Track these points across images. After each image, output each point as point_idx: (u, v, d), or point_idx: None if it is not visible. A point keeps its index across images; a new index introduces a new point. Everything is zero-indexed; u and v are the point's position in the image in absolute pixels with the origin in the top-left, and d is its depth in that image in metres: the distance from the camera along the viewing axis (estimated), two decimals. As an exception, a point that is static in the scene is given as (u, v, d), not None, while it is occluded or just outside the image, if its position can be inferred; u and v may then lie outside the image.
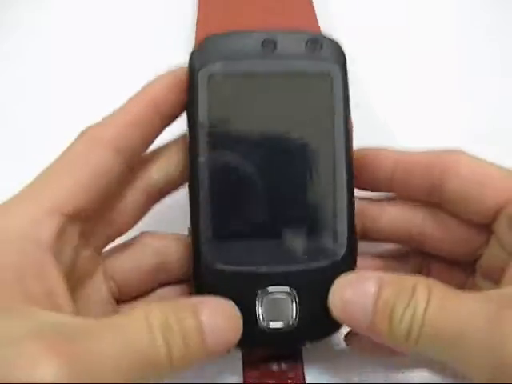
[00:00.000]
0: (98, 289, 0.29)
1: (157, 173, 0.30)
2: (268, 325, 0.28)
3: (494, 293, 0.25)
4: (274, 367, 0.30)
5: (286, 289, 0.28)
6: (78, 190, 0.26)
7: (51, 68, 0.42)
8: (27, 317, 0.23)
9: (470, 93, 0.41)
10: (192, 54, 0.28)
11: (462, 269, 0.31)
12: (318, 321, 0.28)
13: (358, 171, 0.29)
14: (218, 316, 0.25)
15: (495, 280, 0.28)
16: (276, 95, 0.29)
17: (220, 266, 0.28)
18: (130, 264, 0.30)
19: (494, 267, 0.28)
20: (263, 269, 0.28)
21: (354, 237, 0.29)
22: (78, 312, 0.26)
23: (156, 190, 0.30)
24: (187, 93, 0.28)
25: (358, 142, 0.29)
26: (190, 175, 0.28)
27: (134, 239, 0.31)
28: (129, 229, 0.30)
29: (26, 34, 0.43)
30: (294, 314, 0.28)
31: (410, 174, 0.29)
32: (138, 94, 0.29)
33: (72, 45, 0.43)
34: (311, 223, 0.28)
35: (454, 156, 0.29)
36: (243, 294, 0.28)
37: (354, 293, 0.26)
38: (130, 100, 0.28)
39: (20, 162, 0.36)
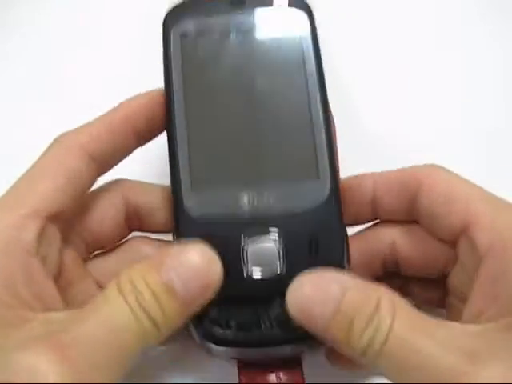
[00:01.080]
0: (88, 292, 0.29)
1: (136, 198, 0.30)
2: (254, 273, 0.27)
3: (461, 331, 0.24)
4: (272, 378, 0.28)
5: (272, 236, 0.27)
6: (54, 194, 0.27)
7: (51, 68, 0.42)
8: (19, 323, 0.23)
9: (469, 92, 0.41)
10: (166, 14, 0.30)
11: (439, 288, 0.30)
12: (304, 267, 0.26)
13: (345, 204, 0.29)
14: (186, 263, 0.24)
15: (464, 301, 0.27)
16: (247, 48, 0.30)
17: (201, 215, 0.27)
18: (117, 269, 0.28)
19: (459, 288, 0.28)
20: (246, 216, 0.27)
21: (336, 178, 0.28)
22: None
23: (135, 215, 0.30)
24: (163, 51, 0.30)
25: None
26: (168, 127, 0.29)
27: (124, 243, 0.31)
28: (110, 241, 0.30)
29: (24, 36, 0.43)
30: (281, 261, 0.27)
31: (388, 193, 0.29)
32: (113, 108, 0.30)
33: (72, 45, 0.43)
34: (292, 167, 0.28)
35: (428, 172, 0.28)
36: (227, 243, 0.27)
37: (315, 292, 0.24)
38: (106, 113, 0.29)
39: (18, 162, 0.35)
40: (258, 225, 0.27)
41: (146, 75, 0.30)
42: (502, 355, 0.22)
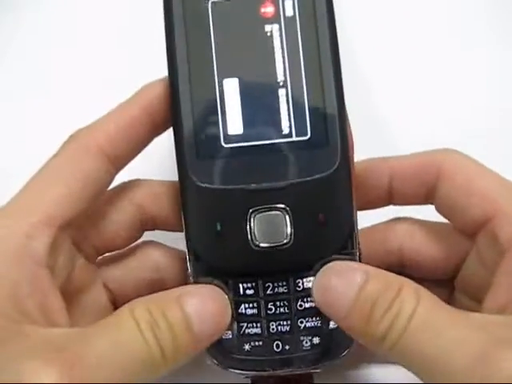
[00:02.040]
0: (97, 297, 0.29)
1: (149, 200, 0.29)
2: (261, 245, 0.26)
3: (486, 319, 0.23)
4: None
5: (280, 205, 0.26)
6: (69, 200, 0.26)
7: (50, 68, 0.41)
8: (21, 338, 0.22)
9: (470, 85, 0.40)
10: None
11: (442, 288, 0.30)
12: (313, 239, 0.26)
13: (358, 191, 0.28)
14: (203, 303, 0.24)
15: (475, 298, 0.27)
16: (249, 2, 0.27)
17: (207, 185, 0.26)
18: (126, 276, 0.30)
19: (473, 284, 0.28)
20: (253, 186, 0.26)
21: (347, 146, 0.27)
22: (74, 324, 0.26)
23: (148, 218, 0.29)
24: (164, 18, 0.27)
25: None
26: (172, 96, 0.27)
27: (134, 249, 0.30)
28: (122, 243, 0.29)
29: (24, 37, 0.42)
30: (289, 232, 0.26)
31: (405, 179, 0.29)
32: (130, 100, 0.28)
33: (71, 45, 0.42)
34: (300, 135, 0.27)
35: (446, 159, 0.28)
36: (234, 213, 0.26)
37: (338, 280, 0.25)
38: (122, 105, 0.28)
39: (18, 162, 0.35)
40: (265, 194, 0.26)
41: (147, 74, 0.28)
42: None
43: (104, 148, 0.26)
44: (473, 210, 0.27)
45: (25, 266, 0.24)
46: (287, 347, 0.28)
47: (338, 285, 0.25)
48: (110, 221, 0.28)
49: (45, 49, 0.41)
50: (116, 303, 0.30)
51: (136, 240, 0.30)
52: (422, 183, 0.28)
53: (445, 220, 0.29)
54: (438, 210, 0.29)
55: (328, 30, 0.27)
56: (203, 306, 0.24)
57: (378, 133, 0.38)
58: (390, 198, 0.29)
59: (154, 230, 0.30)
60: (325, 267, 0.25)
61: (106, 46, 0.41)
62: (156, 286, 0.29)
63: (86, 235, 0.28)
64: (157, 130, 0.28)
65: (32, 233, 0.24)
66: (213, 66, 0.27)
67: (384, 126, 0.38)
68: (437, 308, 0.23)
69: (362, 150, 0.29)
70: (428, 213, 0.29)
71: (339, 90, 0.27)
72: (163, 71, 0.28)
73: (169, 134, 0.28)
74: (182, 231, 0.28)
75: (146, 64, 0.33)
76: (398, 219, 0.30)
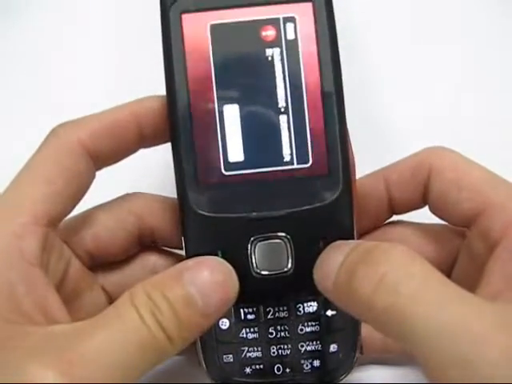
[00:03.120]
0: (96, 300, 0.28)
1: (148, 216, 0.29)
2: (262, 273, 0.26)
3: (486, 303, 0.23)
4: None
5: (281, 234, 0.26)
6: (54, 198, 0.25)
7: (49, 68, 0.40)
8: (21, 339, 0.22)
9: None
10: None
11: None
12: (314, 265, 0.26)
13: (360, 212, 0.28)
14: (204, 276, 0.24)
15: None
16: (249, 26, 0.26)
17: (208, 214, 0.26)
18: (124, 279, 0.29)
19: (465, 282, 0.27)
20: (254, 214, 0.26)
21: (349, 174, 0.27)
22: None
23: (147, 231, 0.29)
24: (161, 31, 0.27)
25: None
26: (170, 118, 0.27)
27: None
28: (117, 252, 0.29)
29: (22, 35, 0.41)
30: (290, 260, 0.26)
31: (401, 187, 0.29)
32: (121, 105, 0.27)
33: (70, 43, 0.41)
34: (301, 163, 0.27)
35: (437, 156, 0.28)
36: (235, 241, 0.26)
37: (331, 249, 0.25)
38: (112, 108, 0.27)
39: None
40: (266, 223, 0.26)
41: (146, 77, 0.29)
42: None
43: (85, 144, 0.26)
44: (464, 204, 0.27)
45: (18, 266, 0.24)
46: (288, 370, 0.28)
47: (330, 252, 0.25)
48: (107, 228, 0.28)
49: (43, 47, 0.40)
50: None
51: (132, 252, 0.29)
52: (417, 185, 0.28)
53: (438, 221, 0.29)
54: (431, 208, 0.29)
55: (330, 51, 0.26)
56: (205, 279, 0.24)
57: (376, 135, 0.38)
58: (391, 208, 0.29)
59: (152, 244, 0.30)
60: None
61: (106, 44, 0.40)
62: None
63: (79, 240, 0.28)
64: (144, 141, 0.28)
65: (21, 232, 0.24)
66: (212, 92, 0.26)
67: (382, 127, 0.38)
68: (441, 281, 0.22)
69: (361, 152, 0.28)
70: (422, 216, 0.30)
71: (341, 117, 0.27)
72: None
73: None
74: (179, 248, 0.28)
75: (145, 76, 0.33)
76: (391, 223, 0.30)
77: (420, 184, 0.28)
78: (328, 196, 0.26)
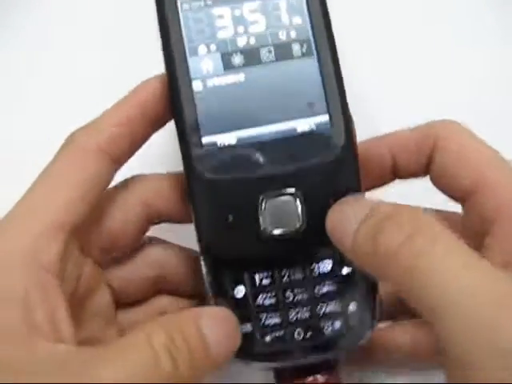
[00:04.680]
0: (102, 299, 0.28)
1: (154, 195, 0.29)
2: (274, 232, 0.26)
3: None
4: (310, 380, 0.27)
5: (290, 190, 0.26)
6: (76, 204, 0.25)
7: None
8: (31, 352, 0.22)
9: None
10: None
11: None
12: (324, 223, 0.26)
13: (365, 174, 0.28)
14: (218, 326, 0.24)
15: None
16: (247, 8, 0.27)
17: (215, 176, 0.26)
18: (128, 273, 0.29)
19: None
20: (261, 172, 0.26)
21: (351, 128, 0.27)
22: (79, 330, 0.25)
23: (154, 213, 0.29)
24: (157, 18, 0.27)
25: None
26: (171, 88, 0.27)
27: (141, 250, 0.29)
28: (129, 241, 0.28)
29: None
30: (301, 217, 0.26)
31: (407, 153, 0.29)
32: (124, 98, 0.28)
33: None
34: (302, 120, 0.27)
35: (443, 127, 0.28)
36: (244, 202, 0.26)
37: (349, 203, 0.26)
38: (119, 103, 0.27)
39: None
40: (274, 181, 0.26)
41: (142, 68, 0.28)
42: None
43: (104, 148, 0.26)
44: (462, 179, 0.27)
45: (35, 274, 0.23)
46: (308, 334, 0.27)
47: (345, 209, 0.25)
48: (115, 220, 0.28)
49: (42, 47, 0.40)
50: (118, 301, 0.29)
51: (143, 235, 0.29)
52: (422, 153, 0.29)
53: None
54: (432, 179, 0.29)
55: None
56: (219, 327, 0.24)
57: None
58: (394, 173, 0.30)
59: (160, 223, 0.29)
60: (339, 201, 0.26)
61: (102, 45, 0.40)
62: (159, 283, 0.29)
63: (92, 239, 0.27)
64: (155, 126, 0.28)
65: (42, 241, 0.24)
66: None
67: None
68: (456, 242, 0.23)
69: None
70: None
71: (337, 75, 0.27)
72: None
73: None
74: (188, 222, 0.27)
75: (143, 63, 0.32)
76: None
77: (425, 153, 0.29)
78: (333, 149, 0.27)
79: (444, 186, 0.29)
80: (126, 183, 0.29)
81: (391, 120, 0.34)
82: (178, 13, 0.27)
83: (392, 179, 0.30)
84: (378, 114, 0.37)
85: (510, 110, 0.38)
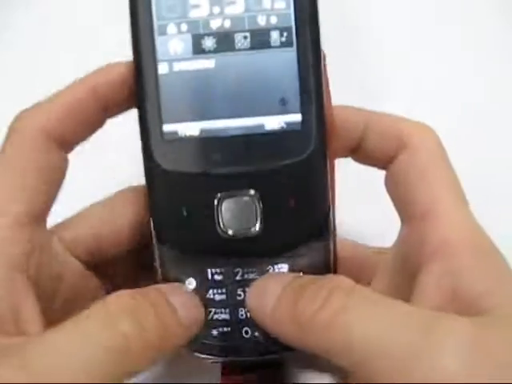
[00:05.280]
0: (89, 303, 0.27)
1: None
2: (229, 232, 0.25)
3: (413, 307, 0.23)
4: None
5: (250, 191, 0.25)
6: (31, 195, 0.24)
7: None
8: None
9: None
10: None
11: None
12: (284, 225, 0.25)
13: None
14: (183, 295, 0.25)
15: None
16: None
17: (174, 169, 0.25)
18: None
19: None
20: (222, 170, 0.25)
21: (324, 131, 0.25)
22: None
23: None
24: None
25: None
26: (135, 74, 0.25)
27: None
28: (115, 246, 0.28)
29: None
30: (258, 219, 0.25)
31: (379, 136, 0.27)
32: (80, 80, 0.26)
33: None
34: (272, 117, 0.25)
35: (421, 134, 0.26)
36: (201, 198, 0.25)
37: (268, 278, 0.25)
38: (71, 84, 0.26)
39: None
40: (234, 181, 0.25)
41: None
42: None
43: (50, 132, 0.25)
44: (418, 195, 0.25)
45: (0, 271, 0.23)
46: (256, 334, 0.27)
47: (267, 280, 0.25)
48: (103, 222, 0.27)
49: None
50: None
51: (133, 244, 0.28)
52: (388, 146, 0.27)
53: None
54: (386, 180, 0.27)
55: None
56: (185, 296, 0.25)
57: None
58: (355, 149, 0.28)
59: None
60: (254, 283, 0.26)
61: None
62: None
63: (78, 239, 0.27)
64: (109, 112, 0.26)
65: (3, 236, 0.23)
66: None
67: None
68: (369, 297, 0.23)
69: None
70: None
71: (317, 72, 0.25)
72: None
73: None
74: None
75: None
76: None
77: (393, 146, 0.27)
78: (300, 153, 0.25)
79: (395, 195, 0.27)
80: (115, 193, 0.28)
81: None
82: None
83: (348, 155, 0.28)
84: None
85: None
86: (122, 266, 0.29)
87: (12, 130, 0.25)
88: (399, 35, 0.39)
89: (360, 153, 0.28)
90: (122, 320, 0.22)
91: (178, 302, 0.24)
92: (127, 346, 0.21)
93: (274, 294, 0.24)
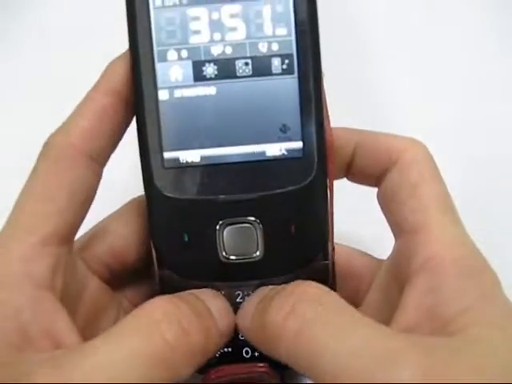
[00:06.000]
0: (109, 319, 0.27)
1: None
2: (231, 258, 0.26)
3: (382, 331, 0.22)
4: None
5: (250, 218, 0.25)
6: (61, 214, 0.24)
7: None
8: (21, 365, 0.21)
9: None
10: None
11: None
12: (284, 251, 0.26)
13: None
14: (218, 298, 0.25)
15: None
16: (227, 12, 0.24)
17: (175, 196, 0.25)
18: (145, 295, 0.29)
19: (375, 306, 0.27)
20: (223, 197, 0.25)
21: (325, 157, 0.25)
22: None
23: None
24: (126, 14, 0.25)
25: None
26: (136, 100, 0.25)
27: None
28: (134, 258, 0.28)
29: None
30: (260, 246, 0.26)
31: (368, 154, 0.27)
32: (95, 86, 0.25)
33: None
34: (273, 144, 0.25)
35: (411, 150, 0.26)
36: (202, 225, 0.25)
37: (250, 299, 0.26)
38: (90, 94, 0.25)
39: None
40: (235, 208, 0.25)
41: None
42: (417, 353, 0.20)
43: (82, 148, 0.25)
44: (408, 211, 0.25)
45: (26, 290, 0.23)
46: (256, 354, 0.27)
47: (251, 298, 0.25)
48: (120, 237, 0.27)
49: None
50: None
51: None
52: (379, 163, 0.27)
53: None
54: (379, 197, 0.27)
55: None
56: (219, 300, 0.25)
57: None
58: (347, 170, 0.28)
59: None
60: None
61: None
62: None
63: (96, 254, 0.27)
64: (131, 112, 0.26)
65: (30, 255, 0.23)
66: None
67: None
68: (333, 315, 0.22)
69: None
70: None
71: (318, 99, 0.25)
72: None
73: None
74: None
75: None
76: None
77: (383, 164, 0.27)
78: (301, 180, 0.25)
79: (387, 210, 0.27)
80: (131, 202, 0.28)
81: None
82: (148, 10, 0.24)
83: (342, 176, 0.28)
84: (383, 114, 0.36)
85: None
86: (137, 277, 0.29)
87: (43, 149, 0.25)
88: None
89: (352, 172, 0.28)
90: (164, 326, 0.21)
91: (214, 307, 0.24)
92: (172, 352, 0.21)
93: (252, 308, 0.24)
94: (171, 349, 0.21)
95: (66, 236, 0.24)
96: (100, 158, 0.25)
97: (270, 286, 0.25)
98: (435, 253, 0.24)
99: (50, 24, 0.40)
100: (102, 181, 0.26)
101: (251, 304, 0.24)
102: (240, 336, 0.27)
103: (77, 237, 0.26)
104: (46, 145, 0.25)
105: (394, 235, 0.27)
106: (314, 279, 0.24)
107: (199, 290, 0.25)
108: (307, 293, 0.23)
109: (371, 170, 0.27)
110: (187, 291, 0.25)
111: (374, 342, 0.21)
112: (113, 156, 0.26)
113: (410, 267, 0.24)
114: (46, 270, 0.23)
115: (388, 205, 0.27)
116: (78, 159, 0.25)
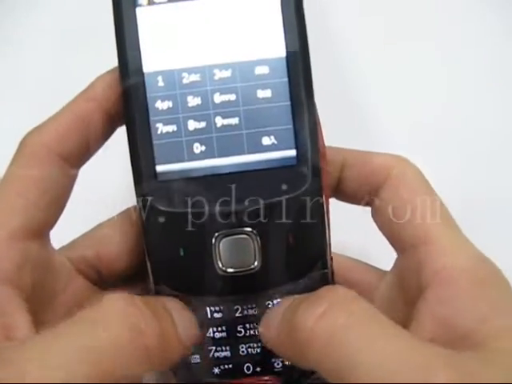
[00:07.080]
0: None
1: None
2: (228, 270, 0.25)
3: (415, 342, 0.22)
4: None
5: (247, 229, 0.25)
6: (30, 210, 0.25)
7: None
8: None
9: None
10: None
11: None
12: (282, 261, 0.25)
13: None
14: (182, 310, 0.25)
15: None
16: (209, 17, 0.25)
17: (169, 209, 0.25)
18: None
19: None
20: (218, 209, 0.25)
21: (318, 165, 0.25)
22: None
23: None
24: (114, 23, 0.25)
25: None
26: (125, 112, 0.25)
27: None
28: (125, 266, 0.28)
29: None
30: (257, 257, 0.25)
31: (356, 174, 0.27)
32: (78, 95, 0.26)
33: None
34: (266, 153, 0.25)
35: (399, 167, 0.26)
36: (198, 238, 0.25)
37: (274, 307, 0.26)
38: (73, 100, 0.26)
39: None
40: (230, 219, 0.25)
41: None
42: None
43: (54, 148, 0.25)
44: (409, 227, 0.25)
45: None
46: (258, 369, 0.27)
47: (275, 306, 0.25)
48: (111, 243, 0.27)
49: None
50: None
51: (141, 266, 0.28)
52: (368, 182, 0.27)
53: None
54: (374, 216, 0.27)
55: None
56: (183, 312, 0.24)
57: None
58: (335, 189, 0.28)
59: None
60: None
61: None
62: None
63: (85, 257, 0.27)
64: (113, 121, 0.26)
65: None
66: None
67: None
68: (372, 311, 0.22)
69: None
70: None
71: (310, 103, 0.25)
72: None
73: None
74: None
75: None
76: None
77: (372, 184, 0.27)
78: (296, 188, 0.25)
79: (385, 228, 0.27)
80: (126, 210, 0.28)
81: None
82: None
83: (331, 196, 0.28)
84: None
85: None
86: (129, 281, 0.29)
87: (19, 147, 0.25)
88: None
89: (340, 191, 0.28)
90: (117, 323, 0.21)
91: (177, 315, 0.24)
92: (122, 350, 0.21)
93: (278, 315, 0.24)
94: (121, 347, 0.21)
95: (36, 231, 0.25)
96: (72, 159, 0.26)
97: (295, 296, 0.24)
98: (444, 264, 0.24)
99: (50, 24, 0.40)
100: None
101: (276, 311, 0.24)
102: (241, 352, 0.26)
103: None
104: (21, 143, 0.25)
105: (397, 251, 0.27)
106: (313, 288, 0.24)
107: (168, 298, 0.25)
108: (339, 297, 0.22)
109: (360, 189, 0.27)
110: (155, 297, 0.25)
111: (407, 352, 0.20)
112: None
113: (419, 281, 0.24)
114: (9, 264, 0.23)
115: (386, 223, 0.27)
116: (49, 158, 0.25)
